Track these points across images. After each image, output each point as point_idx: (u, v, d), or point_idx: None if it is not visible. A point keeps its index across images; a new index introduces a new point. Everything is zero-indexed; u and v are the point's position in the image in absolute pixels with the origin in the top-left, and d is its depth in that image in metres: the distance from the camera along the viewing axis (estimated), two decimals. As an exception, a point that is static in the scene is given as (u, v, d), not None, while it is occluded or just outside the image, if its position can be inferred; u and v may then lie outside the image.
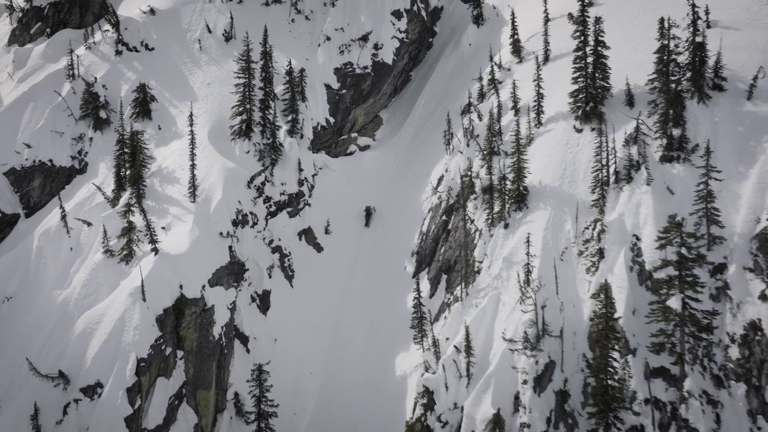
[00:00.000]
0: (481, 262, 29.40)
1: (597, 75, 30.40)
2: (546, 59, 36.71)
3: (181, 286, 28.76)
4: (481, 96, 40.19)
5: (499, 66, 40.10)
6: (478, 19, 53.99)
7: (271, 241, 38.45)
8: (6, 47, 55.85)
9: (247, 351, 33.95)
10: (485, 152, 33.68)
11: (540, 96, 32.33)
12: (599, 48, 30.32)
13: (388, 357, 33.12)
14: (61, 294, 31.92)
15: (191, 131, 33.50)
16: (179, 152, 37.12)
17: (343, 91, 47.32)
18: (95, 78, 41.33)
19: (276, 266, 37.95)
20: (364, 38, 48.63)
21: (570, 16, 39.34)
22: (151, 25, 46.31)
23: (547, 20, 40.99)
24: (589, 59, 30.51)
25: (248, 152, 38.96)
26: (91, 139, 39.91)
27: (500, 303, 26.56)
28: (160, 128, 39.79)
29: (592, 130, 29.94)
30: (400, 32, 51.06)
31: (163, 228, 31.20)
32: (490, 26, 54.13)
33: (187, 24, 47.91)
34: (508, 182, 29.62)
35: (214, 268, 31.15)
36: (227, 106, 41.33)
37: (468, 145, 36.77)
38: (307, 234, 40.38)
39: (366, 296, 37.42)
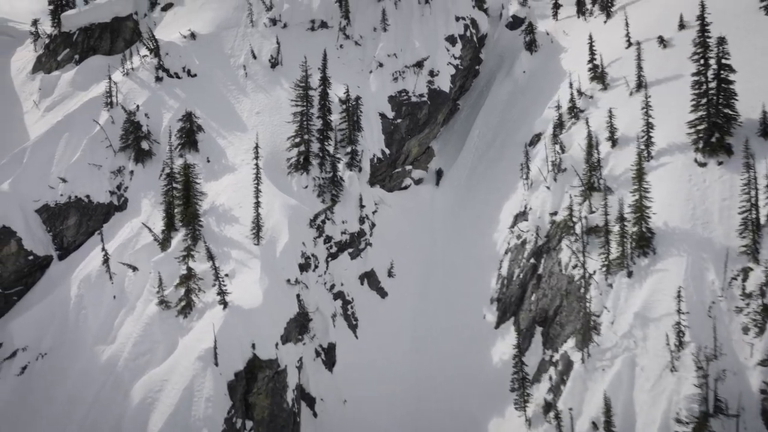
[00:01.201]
0: (598, 316, 25.39)
1: (721, 102, 26.92)
2: (639, 86, 33.28)
3: (253, 346, 24.64)
4: (560, 125, 36.65)
5: (580, 93, 36.67)
6: (530, 46, 51.20)
7: (332, 286, 34.44)
8: (30, 75, 52.76)
9: (314, 415, 29.60)
10: (584, 188, 30.01)
11: (649, 126, 28.80)
12: (722, 72, 26.91)
13: (478, 425, 28.75)
14: (105, 350, 27.76)
15: (256, 164, 29.84)
16: (233, 188, 33.41)
17: (398, 121, 43.91)
18: (137, 106, 37.80)
19: (339, 314, 33.87)
20: (419, 64, 45.48)
21: (660, 39, 36.29)
22: (192, 50, 43.11)
23: (629, 44, 37.97)
24: (712, 84, 27.06)
25: (306, 187, 35.25)
26: (131, 172, 36.18)
27: (636, 368, 22.49)
28: (208, 161, 36.14)
29: (719, 164, 26.38)
30: (455, 58, 48.02)
31: (227, 275, 27.20)
32: (545, 53, 51.26)
33: (230, 49, 44.79)
34: (627, 223, 25.81)
35: (285, 321, 27.09)
36: (280, 137, 37.84)
37: (555, 180, 33.10)
38: (369, 277, 36.39)
39: (441, 350, 33.19)
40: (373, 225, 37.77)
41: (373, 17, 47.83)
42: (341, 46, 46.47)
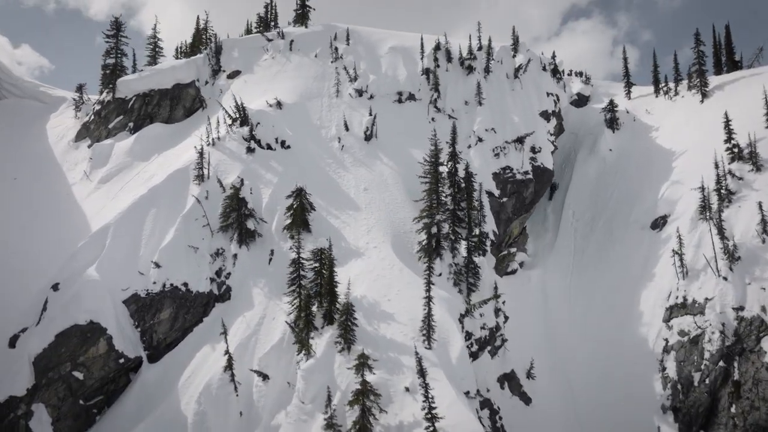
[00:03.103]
0: None
1: None
2: (810, 167, 30.65)
3: (473, 489, 19.22)
4: (704, 208, 33.48)
5: (731, 174, 33.77)
6: (612, 124, 49.44)
7: (477, 392, 29.17)
8: (73, 143, 48.18)
9: None
10: (793, 281, 26.36)
11: None
12: None
13: None
14: (243, 488, 21.74)
15: (429, 256, 25.25)
16: (370, 276, 28.49)
17: (504, 200, 40.32)
18: (241, 180, 33.09)
19: (488, 428, 28.44)
20: (520, 140, 42.58)
21: (817, 118, 34.24)
22: (281, 120, 39.20)
23: (770, 122, 35.89)
24: None
25: (440, 275, 30.57)
26: (235, 256, 30.99)
27: None
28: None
29: None
30: (551, 134, 45.43)
31: (407, 389, 21.96)
32: (629, 131, 49.39)
33: (318, 120, 41.15)
34: None
35: (482, 449, 21.69)
36: (397, 216, 33.62)
37: (731, 269, 29.45)
38: (510, 380, 31.30)
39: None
40: (507, 318, 33.05)
41: (463, 90, 45.29)
42: (433, 119, 43.45)
